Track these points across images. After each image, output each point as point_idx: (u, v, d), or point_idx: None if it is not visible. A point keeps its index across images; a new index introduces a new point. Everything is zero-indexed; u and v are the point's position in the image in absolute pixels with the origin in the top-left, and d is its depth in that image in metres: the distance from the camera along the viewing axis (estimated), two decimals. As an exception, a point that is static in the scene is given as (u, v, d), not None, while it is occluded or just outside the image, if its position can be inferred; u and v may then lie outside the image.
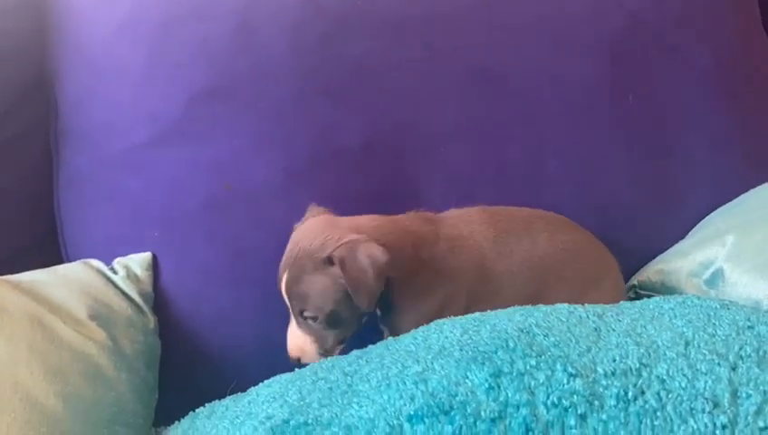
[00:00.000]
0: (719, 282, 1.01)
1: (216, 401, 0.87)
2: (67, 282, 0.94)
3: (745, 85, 1.26)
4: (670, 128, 1.19)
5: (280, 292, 0.93)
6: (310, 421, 0.66)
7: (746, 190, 1.16)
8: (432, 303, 0.94)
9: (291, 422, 0.67)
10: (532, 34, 1.18)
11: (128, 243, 1.06)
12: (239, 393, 0.88)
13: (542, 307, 0.78)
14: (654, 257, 1.14)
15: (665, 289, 1.08)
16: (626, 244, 1.11)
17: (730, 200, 1.16)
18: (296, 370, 0.83)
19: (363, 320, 0.95)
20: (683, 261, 1.08)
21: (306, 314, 0.91)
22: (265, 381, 0.84)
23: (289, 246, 0.94)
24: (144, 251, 1.06)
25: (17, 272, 0.93)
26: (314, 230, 0.93)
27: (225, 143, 1.07)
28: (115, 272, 1.02)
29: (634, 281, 1.13)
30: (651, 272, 1.12)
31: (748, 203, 1.14)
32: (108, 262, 1.03)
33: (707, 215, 1.16)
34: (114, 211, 1.08)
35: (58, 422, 0.75)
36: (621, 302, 0.83)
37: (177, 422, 0.87)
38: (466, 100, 1.14)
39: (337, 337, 0.93)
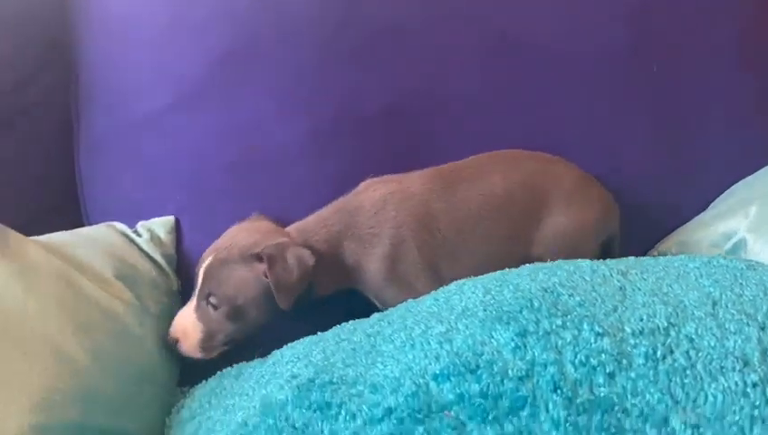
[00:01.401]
0: (741, 252, 0.99)
1: (243, 362, 0.87)
2: (92, 243, 0.94)
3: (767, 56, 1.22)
4: (693, 99, 1.16)
5: (196, 273, 0.93)
6: (335, 380, 0.66)
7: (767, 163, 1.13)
8: (381, 256, 0.95)
9: (316, 381, 0.66)
10: (557, 2, 1.15)
11: (150, 207, 1.06)
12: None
13: (565, 265, 0.77)
14: (675, 229, 1.12)
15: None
16: (648, 215, 1.09)
17: (752, 172, 1.13)
18: (319, 333, 0.83)
19: (257, 329, 0.94)
20: (705, 232, 1.07)
21: (212, 299, 0.91)
22: (289, 344, 0.83)
23: (222, 238, 0.96)
24: (166, 215, 1.05)
25: (37, 235, 0.92)
26: (250, 230, 0.96)
27: (248, 106, 1.06)
28: (139, 235, 1.01)
29: (655, 251, 1.11)
30: (672, 243, 1.10)
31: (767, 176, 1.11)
32: (131, 225, 1.03)
33: (730, 186, 1.14)
34: (137, 175, 1.08)
35: (87, 376, 0.75)
36: (644, 258, 0.82)
37: (204, 381, 0.87)
38: (490, 66, 1.11)
39: (227, 335, 0.92)
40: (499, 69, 1.12)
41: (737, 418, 0.56)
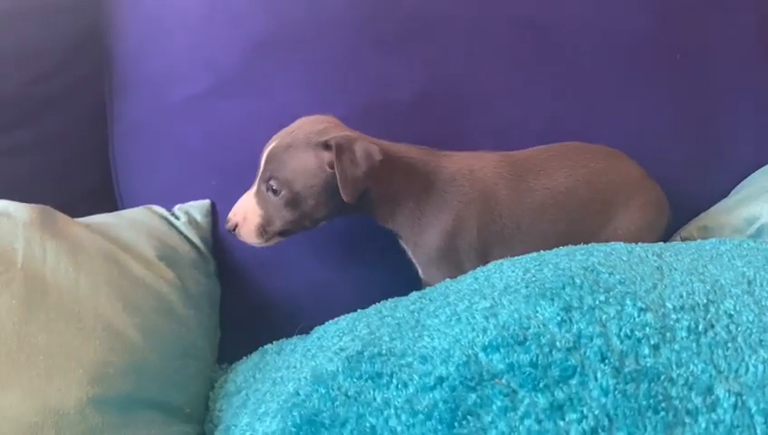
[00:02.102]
0: (764, 237, 1.01)
1: (284, 338, 0.89)
2: (133, 224, 0.96)
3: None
4: (716, 86, 1.19)
5: (260, 159, 0.93)
6: (383, 352, 0.68)
7: (790, 149, 1.16)
8: (441, 227, 0.95)
9: (365, 353, 0.68)
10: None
11: (186, 191, 1.08)
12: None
13: (600, 247, 0.79)
14: (699, 214, 1.14)
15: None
16: (671, 200, 1.09)
17: (774, 157, 1.16)
18: (358, 310, 0.85)
19: (316, 224, 0.95)
20: (727, 217, 1.09)
21: (273, 183, 0.90)
22: (330, 321, 0.86)
23: (289, 126, 0.95)
24: (202, 200, 1.07)
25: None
26: (319, 121, 0.95)
27: (282, 93, 1.08)
28: (176, 217, 1.04)
29: (678, 236, 1.13)
30: (695, 228, 1.12)
31: (794, 161, 1.14)
32: (168, 209, 1.05)
33: (752, 172, 1.17)
34: (171, 160, 1.10)
35: (137, 351, 0.78)
36: (674, 243, 0.84)
37: (245, 357, 0.89)
38: (517, 55, 1.13)
39: (284, 223, 0.92)
40: (527, 55, 1.14)
41: (779, 386, 0.58)
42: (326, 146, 0.89)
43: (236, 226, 0.92)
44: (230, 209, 0.95)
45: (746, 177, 1.17)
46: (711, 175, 1.17)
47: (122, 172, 1.13)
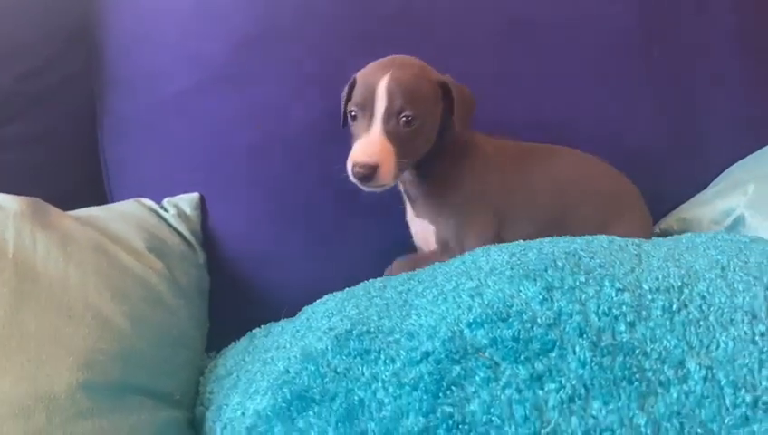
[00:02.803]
0: (740, 228, 1.05)
1: (271, 322, 0.92)
2: (123, 217, 0.98)
3: (766, 42, 1.28)
4: (695, 81, 1.22)
5: (366, 94, 0.90)
6: (372, 330, 0.71)
7: (766, 144, 1.19)
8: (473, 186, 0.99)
9: (354, 332, 0.71)
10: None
11: (174, 185, 1.10)
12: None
13: (583, 237, 0.82)
14: (678, 206, 1.18)
15: (684, 236, 1.12)
16: (651, 193, 1.13)
17: (751, 152, 1.19)
18: (346, 289, 0.87)
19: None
20: (705, 209, 1.12)
21: (408, 112, 0.89)
22: (319, 301, 0.88)
23: (384, 60, 0.95)
24: (191, 193, 1.09)
25: (63, 211, 0.97)
26: (412, 60, 0.96)
27: (270, 87, 1.10)
28: (166, 210, 1.06)
29: (657, 229, 1.17)
30: (674, 220, 1.16)
31: (765, 156, 1.17)
32: (156, 203, 1.07)
33: (729, 166, 1.20)
34: (160, 155, 1.12)
35: (127, 339, 0.80)
36: (653, 238, 0.88)
37: (233, 343, 0.92)
38: (502, 51, 1.16)
39: (415, 155, 0.93)
40: (512, 51, 1.17)
41: (747, 361, 0.62)
42: (442, 84, 0.93)
43: (376, 167, 0.88)
44: (217, 203, 1.00)
45: (724, 170, 1.20)
46: (689, 168, 1.21)
47: (112, 167, 1.15)
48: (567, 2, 1.20)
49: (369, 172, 0.88)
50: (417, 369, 0.64)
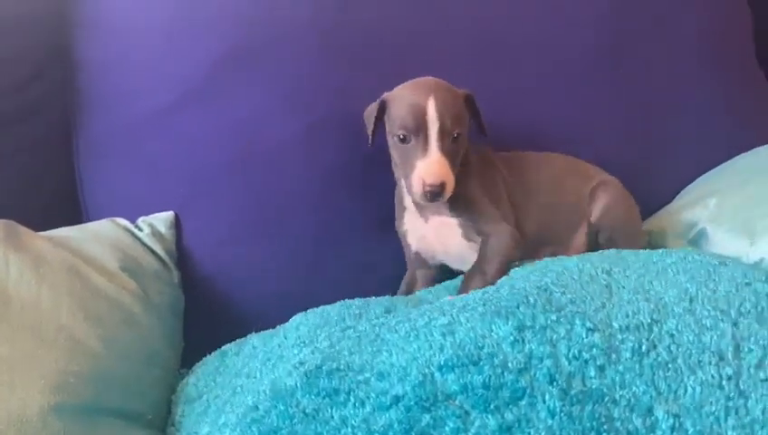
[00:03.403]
0: (702, 241, 1.04)
1: (242, 338, 0.89)
2: (97, 237, 0.95)
3: (730, 55, 1.28)
4: (662, 97, 1.21)
5: (417, 118, 0.92)
6: (342, 367, 0.68)
7: (731, 156, 1.18)
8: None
9: (324, 368, 0.68)
10: (538, 4, 1.18)
11: (150, 203, 1.06)
12: (262, 332, 0.90)
13: (554, 267, 0.79)
14: (644, 219, 1.15)
15: (652, 248, 1.09)
16: None
17: (715, 166, 1.18)
18: (319, 313, 0.84)
19: None
20: (669, 221, 1.11)
21: (456, 132, 0.93)
22: (292, 323, 0.85)
23: (416, 82, 0.97)
24: (166, 211, 1.05)
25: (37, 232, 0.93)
26: (434, 80, 0.99)
27: (246, 105, 1.06)
28: (140, 229, 1.02)
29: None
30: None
31: (730, 169, 1.16)
32: (131, 222, 1.03)
33: (694, 179, 1.18)
34: (137, 173, 1.08)
35: (99, 361, 0.78)
36: (625, 252, 0.85)
37: (205, 358, 0.88)
38: (475, 67, 1.13)
39: (458, 163, 0.97)
40: (485, 66, 1.14)
41: (714, 408, 0.59)
42: (467, 97, 0.98)
43: (444, 184, 0.91)
44: (195, 220, 0.98)
45: (689, 183, 1.19)
46: (655, 182, 1.19)
47: (87, 185, 1.10)
48: (539, 21, 1.18)
49: (440, 190, 0.91)
50: (387, 415, 0.60)
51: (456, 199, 0.97)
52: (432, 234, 1.01)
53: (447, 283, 0.98)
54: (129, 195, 1.07)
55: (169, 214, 1.05)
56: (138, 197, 1.07)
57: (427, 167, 0.91)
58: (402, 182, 0.99)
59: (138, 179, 1.07)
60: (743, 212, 1.01)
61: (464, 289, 0.91)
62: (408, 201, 1.02)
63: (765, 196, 1.00)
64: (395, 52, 1.11)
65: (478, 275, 0.92)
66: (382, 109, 0.98)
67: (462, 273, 0.98)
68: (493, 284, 0.85)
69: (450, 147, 0.93)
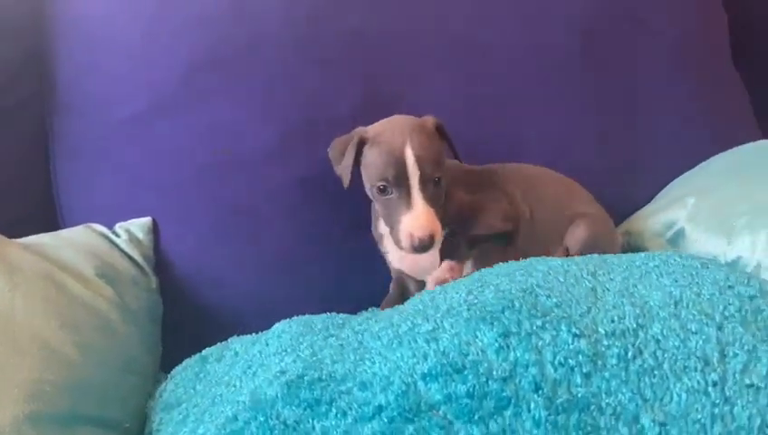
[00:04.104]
0: (681, 240, 1.02)
1: (224, 342, 0.85)
2: (73, 244, 0.92)
3: (707, 60, 1.26)
4: (637, 101, 1.19)
5: (397, 169, 0.86)
6: (324, 377, 0.64)
7: (708, 156, 1.16)
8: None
9: (305, 377, 0.64)
10: (512, 9, 1.16)
11: (127, 210, 1.03)
12: (244, 337, 0.86)
13: (540, 266, 0.76)
14: (623, 220, 1.14)
15: (631, 249, 1.08)
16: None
17: (692, 167, 1.16)
18: (303, 321, 0.80)
19: None
20: (648, 222, 1.09)
21: (436, 176, 0.88)
22: (274, 330, 0.81)
23: (391, 126, 0.91)
24: (143, 217, 1.02)
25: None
26: (404, 117, 0.94)
27: (222, 111, 1.04)
28: (117, 235, 0.99)
29: (605, 242, 1.12)
30: (620, 232, 1.11)
31: (707, 170, 1.14)
32: (108, 228, 1.00)
33: (672, 180, 1.16)
34: (114, 180, 1.05)
35: (75, 368, 0.75)
36: (608, 256, 0.82)
37: (185, 362, 0.84)
38: (450, 72, 1.11)
39: (441, 202, 0.91)
40: (461, 71, 1.12)
41: (700, 416, 0.57)
42: (438, 127, 0.93)
43: (431, 240, 0.86)
44: (171, 226, 0.95)
45: (667, 184, 1.17)
46: (634, 183, 1.17)
47: (64, 192, 1.07)
48: (514, 26, 1.15)
49: (430, 242, 0.86)
50: (370, 426, 0.57)
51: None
52: (415, 259, 0.96)
53: None
54: (106, 201, 1.04)
55: (147, 220, 1.02)
56: (115, 203, 1.04)
57: (413, 221, 0.86)
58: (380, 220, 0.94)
59: (115, 185, 1.04)
60: (720, 211, 0.99)
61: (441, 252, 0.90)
62: (386, 232, 0.96)
63: (742, 195, 0.98)
64: (369, 58, 1.09)
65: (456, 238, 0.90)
66: (359, 148, 0.91)
67: None
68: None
69: (433, 192, 0.88)
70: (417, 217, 0.86)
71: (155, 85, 1.04)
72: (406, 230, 0.86)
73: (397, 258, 0.98)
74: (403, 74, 1.08)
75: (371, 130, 0.92)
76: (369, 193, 0.92)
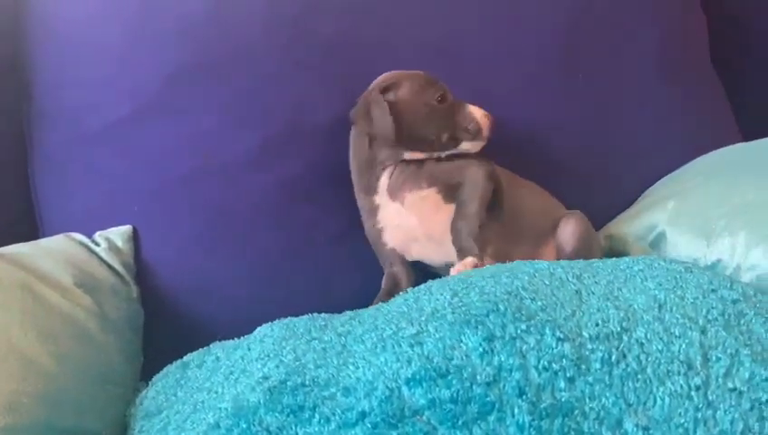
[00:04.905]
0: (662, 243, 1.02)
1: (203, 348, 0.84)
2: (51, 253, 0.90)
3: (687, 62, 1.26)
4: (621, 103, 1.19)
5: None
6: (307, 382, 0.63)
7: (690, 159, 1.16)
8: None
9: (288, 383, 0.63)
10: (492, 15, 1.16)
11: (107, 218, 1.01)
12: (226, 342, 0.85)
13: (525, 268, 0.76)
14: (606, 223, 1.14)
15: (613, 253, 1.08)
16: (581, 210, 1.07)
17: (673, 170, 1.16)
18: (285, 324, 0.79)
19: None
20: (630, 225, 1.09)
21: None
22: (257, 334, 0.80)
23: (387, 75, 1.00)
24: (124, 225, 1.00)
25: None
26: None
27: (203, 118, 1.02)
28: (97, 244, 0.97)
29: (586, 246, 1.12)
30: (602, 236, 1.11)
31: (687, 172, 1.14)
32: (89, 236, 0.98)
33: (654, 183, 1.16)
34: (93, 188, 1.03)
35: (53, 379, 0.73)
36: (593, 261, 0.82)
37: (166, 368, 0.83)
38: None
39: None
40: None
41: (683, 420, 0.56)
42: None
43: None
44: (152, 234, 0.96)
45: (648, 187, 1.17)
46: (615, 187, 1.17)
47: (44, 203, 1.05)
48: (493, 36, 1.15)
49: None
50: (353, 432, 0.56)
51: (431, 173, 0.97)
52: (411, 216, 0.98)
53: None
54: (86, 210, 1.02)
55: (127, 228, 1.00)
56: (95, 211, 1.02)
57: (478, 109, 0.99)
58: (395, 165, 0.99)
59: (95, 194, 1.02)
60: (700, 214, 0.99)
61: (455, 242, 0.92)
62: (381, 191, 0.99)
63: (721, 197, 0.99)
64: (351, 64, 1.08)
65: (462, 222, 0.92)
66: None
67: (438, 274, 0.94)
68: (479, 225, 0.91)
69: None
70: (479, 108, 0.99)
71: (135, 92, 1.02)
72: (479, 112, 0.99)
73: (392, 231, 1.00)
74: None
75: (381, 81, 1.00)
76: (412, 119, 0.97)
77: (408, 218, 0.98)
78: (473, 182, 0.95)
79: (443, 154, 1.00)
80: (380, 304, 0.78)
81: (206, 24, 1.04)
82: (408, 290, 0.78)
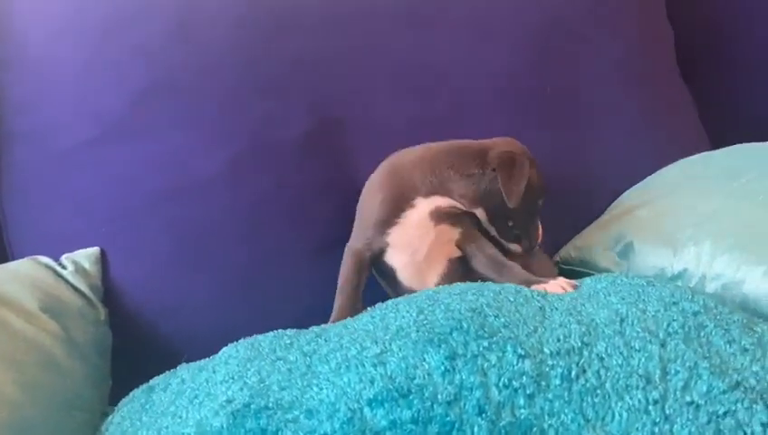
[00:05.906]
0: (630, 254, 1.02)
1: (169, 371, 0.83)
2: (16, 277, 0.89)
3: (652, 73, 1.28)
4: (590, 115, 1.20)
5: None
6: (271, 405, 0.63)
7: (658, 168, 1.16)
8: None
9: (252, 406, 0.63)
10: (461, 32, 1.16)
11: (75, 240, 1.00)
12: (192, 364, 0.83)
13: (492, 286, 0.76)
14: (575, 235, 1.14)
15: (583, 263, 1.09)
16: (550, 222, 1.06)
17: (642, 180, 1.17)
18: (250, 343, 0.78)
19: None
20: (598, 236, 1.09)
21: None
22: (222, 355, 0.79)
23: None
24: (91, 247, 1.00)
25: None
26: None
27: (170, 138, 1.02)
28: (64, 267, 0.96)
29: (557, 257, 1.13)
30: (571, 248, 1.12)
31: (655, 182, 1.16)
32: (56, 259, 0.97)
33: (622, 193, 1.17)
34: (61, 209, 1.02)
35: (17, 408, 0.72)
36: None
37: (132, 393, 0.82)
38: (399, 95, 1.11)
39: None
40: (409, 94, 1.12)
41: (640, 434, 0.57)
42: None
43: None
44: (121, 255, 0.95)
45: (617, 197, 1.17)
46: (584, 198, 1.17)
47: (11, 224, 1.04)
48: (459, 51, 1.16)
49: None
50: (315, 456, 0.56)
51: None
52: (430, 241, 0.94)
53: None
54: (54, 231, 1.02)
55: (94, 250, 1.00)
56: (63, 233, 1.01)
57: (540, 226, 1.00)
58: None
59: (62, 215, 1.02)
60: (666, 223, 1.00)
61: (513, 280, 0.88)
62: (419, 206, 0.94)
63: (688, 206, 1.00)
64: (318, 83, 1.08)
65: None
66: None
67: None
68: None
69: None
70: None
71: (102, 113, 1.02)
72: (540, 230, 1.00)
73: (407, 275, 0.95)
74: (350, 98, 1.08)
75: (528, 152, 1.00)
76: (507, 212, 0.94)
77: (425, 243, 0.94)
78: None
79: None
80: (348, 319, 0.78)
81: (169, 45, 1.04)
82: (376, 306, 0.78)
